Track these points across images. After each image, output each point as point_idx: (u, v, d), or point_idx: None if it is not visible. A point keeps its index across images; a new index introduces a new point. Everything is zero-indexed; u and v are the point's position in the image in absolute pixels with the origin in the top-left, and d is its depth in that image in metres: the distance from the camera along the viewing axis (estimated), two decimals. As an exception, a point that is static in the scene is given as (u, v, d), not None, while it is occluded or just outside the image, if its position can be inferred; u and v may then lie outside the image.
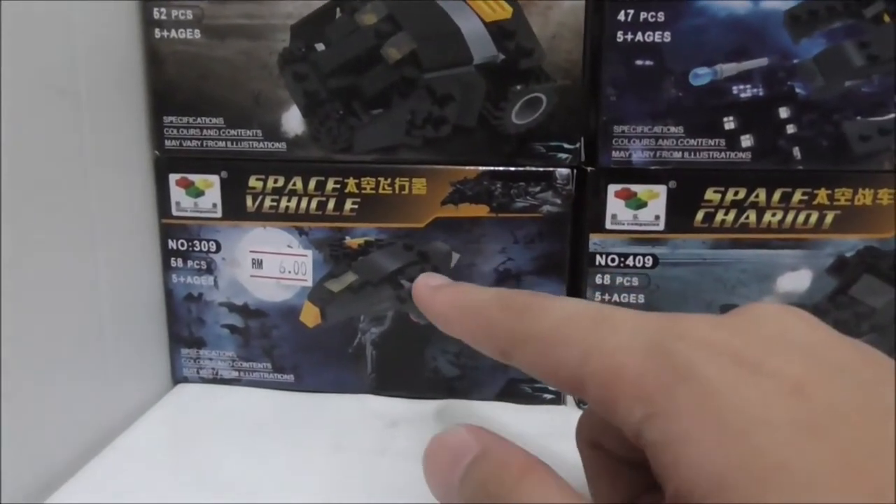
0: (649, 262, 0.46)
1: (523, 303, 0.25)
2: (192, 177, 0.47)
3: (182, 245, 0.48)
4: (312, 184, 0.46)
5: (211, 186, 0.47)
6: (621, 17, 0.42)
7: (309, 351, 0.49)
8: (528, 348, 0.24)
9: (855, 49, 0.41)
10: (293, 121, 0.45)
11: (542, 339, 0.23)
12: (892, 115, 0.42)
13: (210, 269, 0.48)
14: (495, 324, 0.25)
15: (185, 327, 0.50)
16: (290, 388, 0.50)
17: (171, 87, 0.46)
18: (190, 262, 0.48)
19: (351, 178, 0.46)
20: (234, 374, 0.50)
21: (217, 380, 0.50)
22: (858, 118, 0.42)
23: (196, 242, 0.48)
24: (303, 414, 0.47)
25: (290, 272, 0.48)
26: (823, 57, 0.42)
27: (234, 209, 0.47)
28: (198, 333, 0.49)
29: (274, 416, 0.47)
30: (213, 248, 0.48)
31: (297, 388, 0.50)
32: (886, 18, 0.41)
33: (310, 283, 0.48)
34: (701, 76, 0.42)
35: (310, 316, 0.49)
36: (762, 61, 0.42)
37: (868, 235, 0.44)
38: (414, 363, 0.49)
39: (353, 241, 0.47)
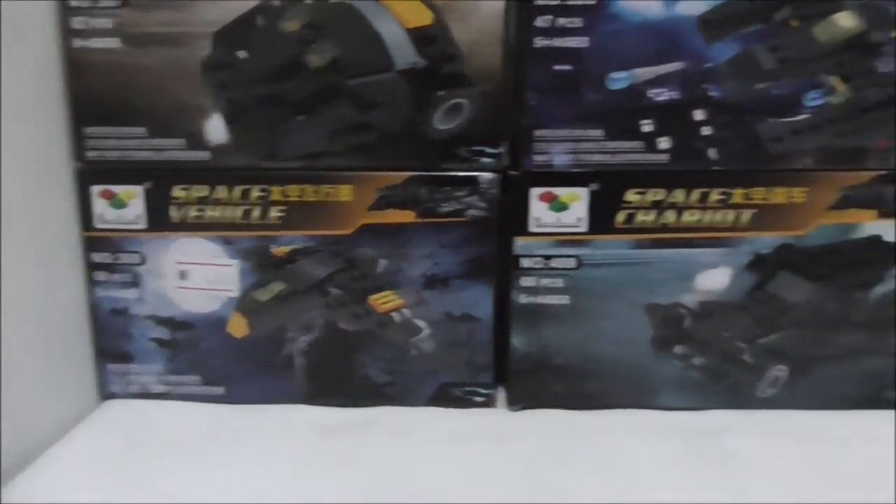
0: (573, 263, 0.46)
1: None
2: (114, 188, 0.46)
3: (106, 258, 0.47)
4: (237, 192, 0.46)
5: (134, 197, 0.46)
6: (539, 23, 0.43)
7: (238, 362, 0.49)
8: None
9: (765, 52, 0.43)
10: (217, 129, 0.45)
11: None
12: (803, 116, 0.44)
13: (135, 282, 0.48)
14: None
15: (111, 342, 0.49)
16: (221, 401, 0.49)
17: (92, 97, 0.45)
18: (115, 276, 0.48)
19: (276, 186, 0.46)
20: (164, 389, 0.49)
21: (146, 395, 0.50)
22: (771, 119, 0.44)
23: (120, 255, 0.47)
24: (234, 426, 0.47)
25: (216, 283, 0.47)
26: (736, 60, 0.43)
27: (159, 220, 0.46)
28: (125, 348, 0.48)
29: (204, 429, 0.46)
30: (138, 260, 0.47)
31: (228, 401, 0.49)
32: (794, 23, 0.43)
33: (237, 294, 0.47)
34: (619, 80, 0.43)
35: (238, 327, 0.48)
36: (677, 65, 0.43)
37: (783, 233, 0.46)
38: (345, 371, 0.49)
39: (279, 250, 0.47)
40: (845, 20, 0.42)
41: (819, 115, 0.43)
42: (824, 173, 0.44)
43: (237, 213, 0.46)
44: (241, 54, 0.43)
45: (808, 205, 0.45)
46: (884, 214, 0.45)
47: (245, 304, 0.48)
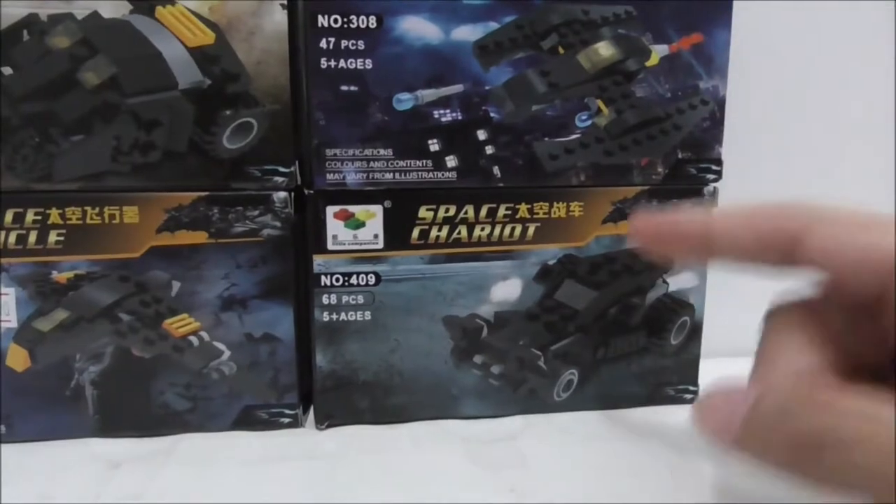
0: (372, 279, 0.47)
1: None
2: None
3: None
4: (9, 216, 0.43)
5: None
6: (323, 44, 0.43)
7: (21, 397, 0.46)
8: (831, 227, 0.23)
9: (537, 77, 0.46)
10: (-17, 149, 0.42)
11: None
12: (575, 136, 0.47)
13: None
14: (785, 212, 0.24)
15: None
16: (2, 440, 0.46)
17: None
18: None
19: (54, 209, 0.43)
20: (-67, 430, 0.45)
21: (-87, 438, 0.45)
22: (546, 139, 0.47)
23: None
24: (11, 466, 0.44)
25: (-9, 313, 0.44)
26: (511, 84, 0.45)
27: (-82, 247, 0.43)
28: None
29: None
30: None
31: (10, 439, 0.46)
32: (561, 50, 0.46)
33: (15, 324, 0.45)
34: (403, 101, 0.45)
35: (17, 359, 0.45)
36: (458, 88, 0.45)
37: (566, 244, 0.49)
38: (140, 400, 0.47)
39: (61, 276, 0.44)
40: (605, 49, 0.46)
41: (589, 135, 0.46)
42: (597, 189, 0.48)
43: (11, 237, 0.43)
44: (6, 70, 0.41)
45: (586, 218, 0.48)
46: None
47: (25, 335, 0.45)
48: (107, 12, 0.41)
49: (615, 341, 0.51)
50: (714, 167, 0.49)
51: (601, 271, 0.49)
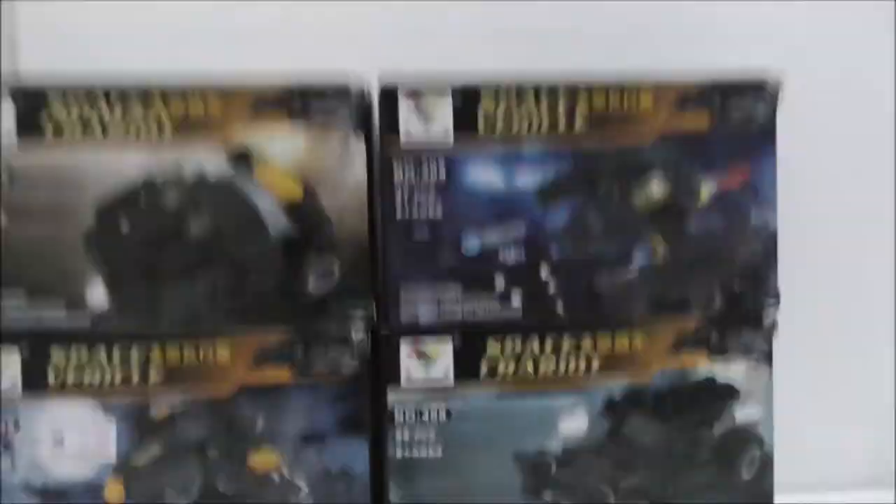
0: (444, 415, 0.49)
1: None
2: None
3: (-24, 428, 0.47)
4: (117, 355, 0.48)
5: (11, 362, 0.47)
6: (399, 194, 0.48)
7: (112, 531, 0.48)
8: None
9: (594, 217, 0.49)
10: (98, 295, 0.47)
11: None
12: (633, 271, 0.50)
13: (7, 449, 0.47)
14: None
15: (-23, 515, 0.47)
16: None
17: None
18: (-15, 444, 0.47)
19: (156, 348, 0.48)
20: (31, 562, 0.48)
21: (12, 570, 0.48)
22: (606, 275, 0.49)
23: (-8, 422, 0.47)
24: None
25: (92, 448, 0.48)
26: (570, 225, 0.49)
27: (35, 385, 0.47)
28: (-8, 521, 0.47)
29: None
30: (12, 426, 0.47)
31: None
32: (615, 191, 0.50)
33: (113, 458, 0.48)
34: (471, 244, 0.49)
35: (114, 493, 0.48)
36: (521, 230, 0.49)
37: (631, 378, 0.50)
38: (222, 534, 0.48)
39: (158, 412, 0.48)
40: (657, 189, 0.49)
41: (646, 270, 0.49)
42: (658, 320, 0.50)
43: (117, 375, 0.47)
44: (124, 227, 0.47)
45: (648, 350, 0.50)
46: (712, 356, 0.50)
47: (121, 469, 0.48)
48: (211, 171, 0.48)
49: (685, 476, 0.50)
50: (771, 296, 0.50)
51: (666, 404, 0.50)
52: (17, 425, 0.47)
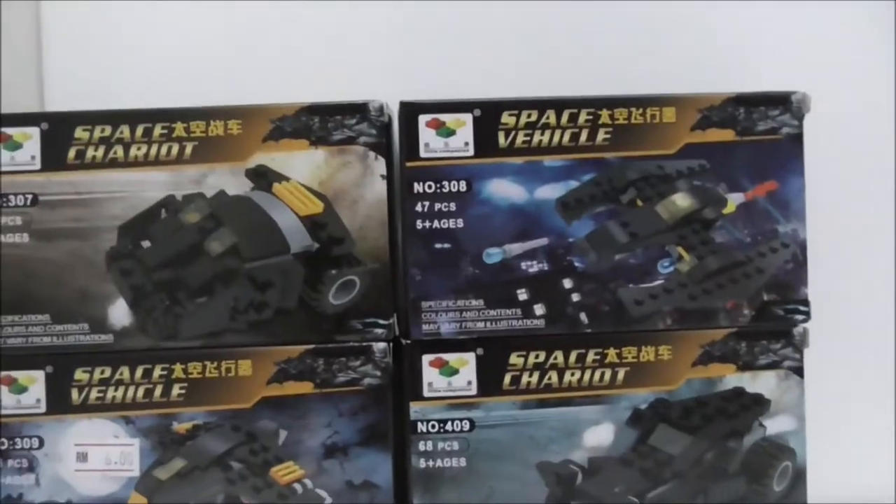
0: (467, 425, 0.49)
1: None
2: (15, 374, 0.47)
3: (2, 444, 0.48)
4: (139, 372, 0.48)
5: (35, 382, 0.47)
6: (419, 208, 0.48)
7: (138, 545, 0.48)
8: None
9: (618, 228, 0.49)
10: (120, 313, 0.47)
11: None
12: (658, 282, 0.49)
13: (32, 467, 0.48)
14: None
15: (3, 531, 0.48)
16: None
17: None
18: (10, 462, 0.48)
19: (178, 364, 0.48)
20: (57, 578, 0.48)
21: (38, 586, 0.48)
22: (631, 285, 0.49)
23: (18, 440, 0.48)
24: None
25: (116, 463, 0.48)
26: (593, 235, 0.48)
27: (59, 403, 0.47)
28: (18, 537, 0.48)
29: None
30: (36, 444, 0.48)
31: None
32: (639, 203, 0.49)
33: (137, 473, 0.48)
34: (493, 255, 0.48)
35: (138, 507, 0.48)
36: (543, 241, 0.48)
37: (657, 388, 0.49)
38: (246, 548, 0.49)
39: (180, 427, 0.48)
40: (682, 200, 0.48)
41: (672, 281, 0.48)
42: (684, 332, 0.49)
43: (139, 392, 0.48)
44: (145, 244, 0.47)
45: (675, 361, 0.49)
46: (741, 368, 0.49)
47: (145, 484, 0.48)
48: (231, 190, 0.47)
49: (714, 488, 0.50)
50: (801, 308, 0.49)
51: (694, 415, 0.49)
52: (41, 443, 0.47)
